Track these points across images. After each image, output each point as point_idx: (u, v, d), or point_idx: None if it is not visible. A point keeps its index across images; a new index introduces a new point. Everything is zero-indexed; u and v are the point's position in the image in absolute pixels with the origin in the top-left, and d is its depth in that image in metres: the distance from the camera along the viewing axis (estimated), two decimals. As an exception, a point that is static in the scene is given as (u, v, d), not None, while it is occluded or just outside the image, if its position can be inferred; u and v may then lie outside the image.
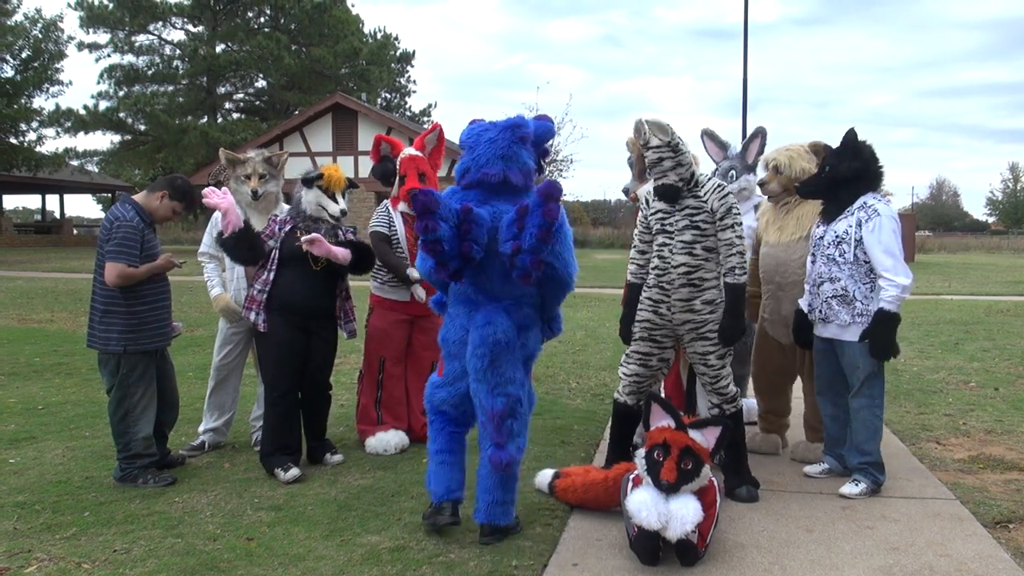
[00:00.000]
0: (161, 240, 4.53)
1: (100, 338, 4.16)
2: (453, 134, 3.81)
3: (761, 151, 4.94)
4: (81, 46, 35.58)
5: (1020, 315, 11.91)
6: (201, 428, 4.92)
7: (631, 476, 3.53)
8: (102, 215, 47.28)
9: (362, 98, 34.87)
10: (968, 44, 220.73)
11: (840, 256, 4.09)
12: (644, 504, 3.22)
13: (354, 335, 4.67)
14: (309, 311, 4.40)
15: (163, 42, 37.18)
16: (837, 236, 4.11)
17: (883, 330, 3.98)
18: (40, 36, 31.71)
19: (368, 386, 4.98)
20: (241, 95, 40.68)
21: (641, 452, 3.42)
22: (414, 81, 63.46)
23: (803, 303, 4.33)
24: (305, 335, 4.40)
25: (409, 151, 4.93)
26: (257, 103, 40.77)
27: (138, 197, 4.34)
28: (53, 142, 45.99)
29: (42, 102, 33.84)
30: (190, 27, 37.50)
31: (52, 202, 41.23)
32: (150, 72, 36.24)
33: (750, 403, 5.24)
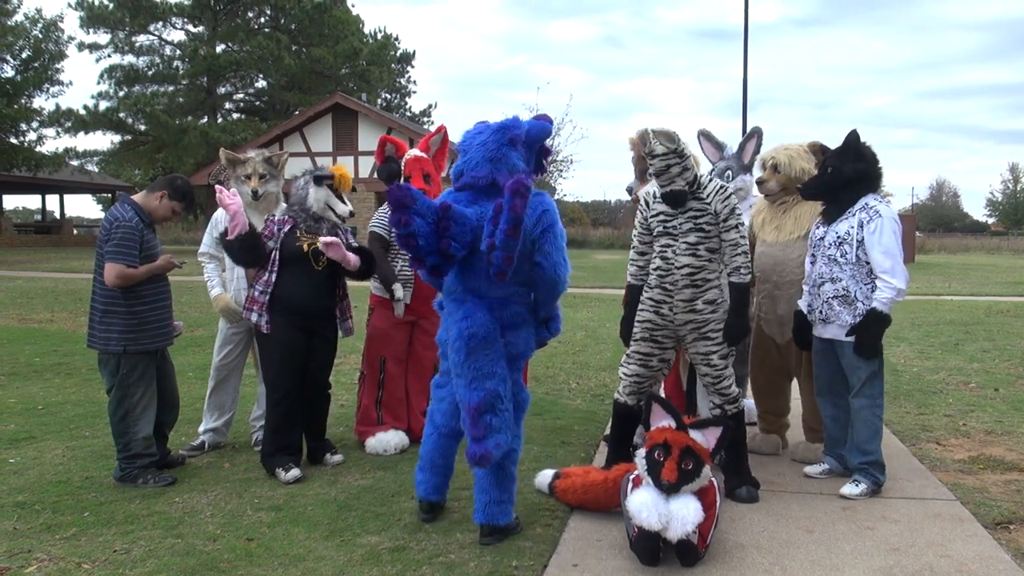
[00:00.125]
0: (161, 240, 4.52)
1: (100, 338, 4.16)
2: (454, 135, 3.81)
3: (757, 151, 4.95)
4: (81, 46, 35.58)
5: (1020, 316, 11.91)
6: (201, 428, 4.92)
7: (631, 476, 3.53)
8: (102, 215, 47.22)
9: (362, 98, 34.87)
10: (968, 45, 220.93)
11: (842, 257, 4.09)
12: (645, 505, 3.22)
13: (351, 333, 4.68)
14: (312, 311, 4.40)
15: (163, 42, 37.21)
16: (839, 237, 4.11)
17: (872, 329, 4.01)
18: (40, 36, 31.70)
19: (369, 386, 4.98)
20: (241, 95, 40.69)
21: (642, 452, 3.42)
22: (414, 81, 63.52)
23: (802, 304, 4.33)
24: (307, 335, 4.40)
25: (414, 152, 4.94)
26: (257, 103, 40.77)
27: (137, 197, 4.34)
28: (53, 142, 46.13)
29: (42, 102, 33.93)
30: (190, 27, 37.52)
31: (52, 202, 41.28)
32: (150, 72, 36.24)
33: (750, 404, 5.24)
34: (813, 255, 4.28)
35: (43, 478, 4.30)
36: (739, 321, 3.96)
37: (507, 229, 3.15)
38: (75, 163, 35.72)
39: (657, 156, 3.89)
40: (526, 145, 3.56)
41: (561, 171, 37.87)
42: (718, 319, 3.99)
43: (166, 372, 4.46)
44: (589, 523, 3.75)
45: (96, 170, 37.78)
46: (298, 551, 3.39)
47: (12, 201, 67.33)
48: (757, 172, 4.77)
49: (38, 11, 33.81)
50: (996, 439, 5.19)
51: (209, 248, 4.86)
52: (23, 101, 30.96)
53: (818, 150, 4.55)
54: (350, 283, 4.68)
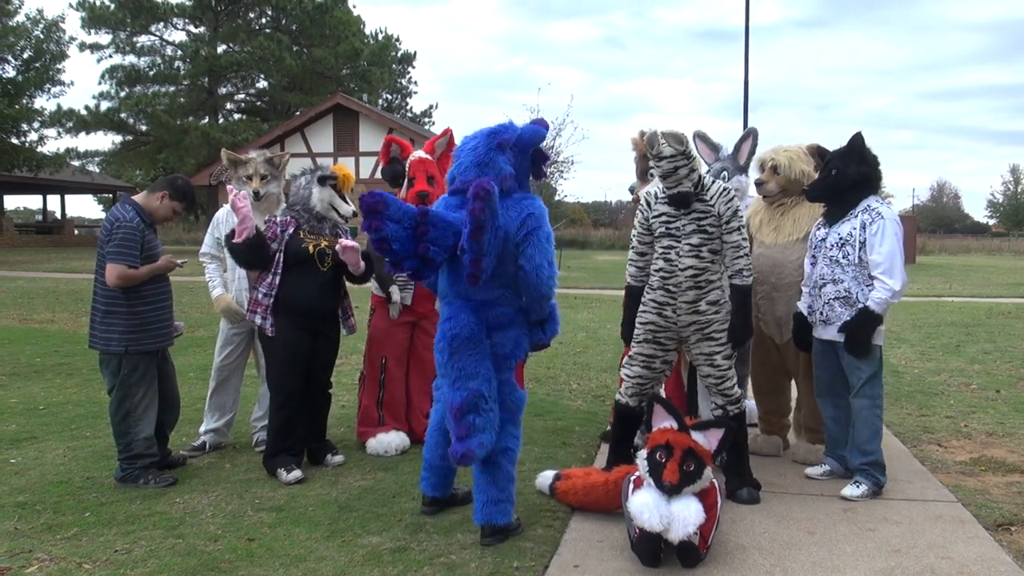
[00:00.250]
0: (162, 240, 4.52)
1: (101, 339, 4.16)
2: (459, 137, 3.83)
3: (753, 152, 4.95)
4: (83, 47, 35.62)
5: (1021, 317, 11.90)
6: (202, 429, 4.92)
7: (632, 478, 3.53)
8: (103, 215, 47.27)
9: (363, 99, 34.89)
10: (968, 46, 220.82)
11: (844, 258, 4.09)
12: (646, 506, 3.22)
13: (355, 330, 4.70)
14: (317, 312, 4.41)
15: (164, 43, 37.26)
16: (841, 238, 4.11)
17: (863, 328, 4.03)
18: (42, 37, 31.75)
19: (370, 387, 4.98)
20: (242, 96, 40.73)
21: (643, 453, 3.42)
22: (415, 82, 63.52)
23: (802, 306, 4.33)
24: (311, 336, 4.40)
25: (419, 154, 4.94)
26: (258, 104, 40.80)
27: (138, 197, 4.34)
28: (54, 142, 46.16)
29: (43, 102, 34.00)
30: (191, 28, 37.56)
31: (53, 202, 41.32)
32: (151, 73, 36.28)
33: (751, 405, 5.24)
34: (814, 256, 4.28)
35: (44, 478, 4.30)
36: (743, 322, 3.98)
37: (468, 232, 3.21)
38: (76, 163, 35.75)
39: (665, 158, 3.89)
40: (519, 150, 3.58)
41: (562, 172, 37.84)
42: (721, 320, 3.99)
43: (167, 372, 4.46)
44: (590, 524, 3.75)
45: (97, 170, 37.83)
46: (299, 551, 3.39)
47: (13, 201, 67.47)
48: (755, 173, 4.76)
49: (39, 11, 33.91)
50: (997, 441, 5.18)
51: (210, 248, 4.86)
52: (24, 101, 30.98)
53: (816, 152, 4.55)
54: (350, 284, 4.69)
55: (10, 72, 31.00)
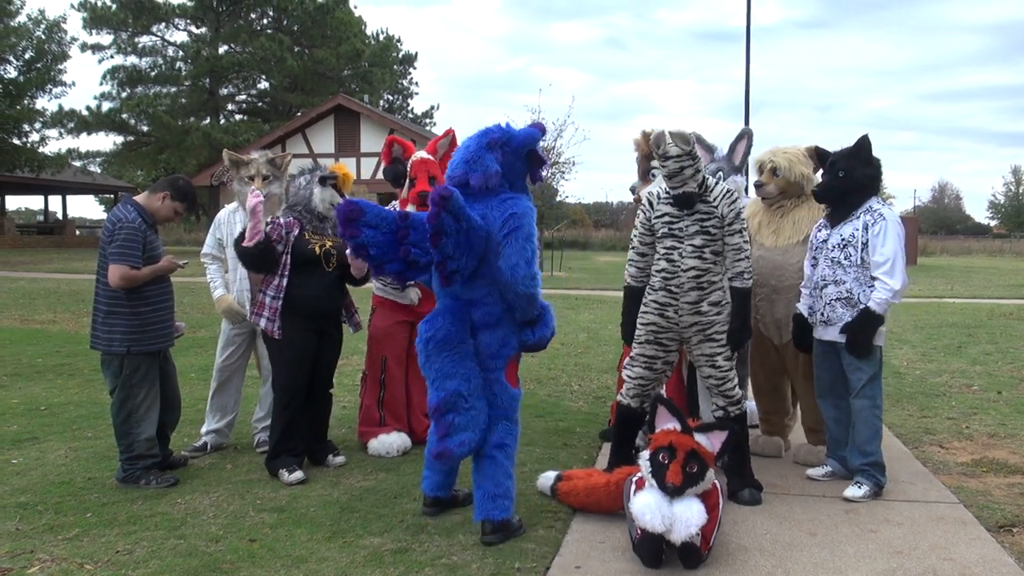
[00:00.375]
0: (163, 241, 4.53)
1: (103, 339, 4.16)
2: (461, 138, 3.86)
3: (748, 153, 4.95)
4: (84, 47, 35.69)
5: (1023, 318, 11.89)
6: (203, 429, 4.92)
7: (634, 479, 3.53)
8: (104, 216, 47.26)
9: (364, 100, 34.91)
10: (970, 48, 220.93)
11: (846, 259, 4.09)
12: (648, 507, 3.21)
13: (360, 327, 4.73)
14: (324, 312, 4.43)
15: (166, 43, 37.31)
16: (843, 240, 4.11)
17: (864, 329, 4.03)
18: (43, 37, 31.76)
19: (371, 387, 4.98)
20: (244, 96, 40.79)
21: (646, 454, 3.42)
22: (416, 83, 63.35)
23: (802, 307, 4.33)
24: (317, 337, 4.41)
25: (421, 154, 4.95)
26: (260, 104, 40.84)
27: (140, 198, 4.34)
28: (56, 143, 46.06)
29: (45, 103, 34.12)
30: (193, 28, 37.61)
31: (55, 203, 41.36)
32: (153, 73, 36.34)
33: (752, 406, 5.23)
34: (814, 258, 4.27)
35: (46, 479, 4.30)
36: (743, 324, 3.98)
37: (429, 238, 3.29)
38: (78, 164, 35.79)
39: (671, 158, 3.88)
40: (512, 150, 3.58)
41: (563, 173, 37.83)
42: (723, 321, 3.99)
43: (168, 373, 4.46)
44: (592, 525, 3.74)
45: (98, 171, 37.88)
46: (300, 552, 3.39)
47: (15, 202, 67.65)
48: (754, 175, 4.76)
49: (41, 12, 33.73)
50: (999, 442, 5.18)
51: (212, 249, 4.86)
52: (26, 102, 31.02)
53: (814, 154, 4.55)
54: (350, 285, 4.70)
55: (12, 73, 31.03)
